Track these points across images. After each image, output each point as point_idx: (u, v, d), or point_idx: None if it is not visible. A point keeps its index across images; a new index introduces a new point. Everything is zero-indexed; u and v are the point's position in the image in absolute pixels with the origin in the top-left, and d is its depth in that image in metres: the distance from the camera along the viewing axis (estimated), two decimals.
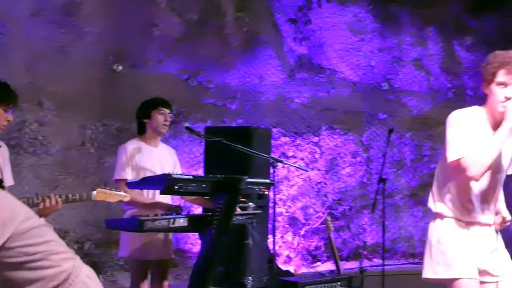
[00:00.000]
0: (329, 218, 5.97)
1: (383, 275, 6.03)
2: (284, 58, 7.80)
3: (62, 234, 6.49)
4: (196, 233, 4.92)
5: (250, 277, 4.99)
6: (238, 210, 4.41)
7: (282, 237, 7.54)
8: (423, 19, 8.46)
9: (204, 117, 7.25)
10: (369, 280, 5.96)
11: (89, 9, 6.76)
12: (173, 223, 4.03)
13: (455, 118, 3.34)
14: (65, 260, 2.09)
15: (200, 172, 6.47)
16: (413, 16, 8.42)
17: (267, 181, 4.79)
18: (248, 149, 4.79)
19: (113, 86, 6.83)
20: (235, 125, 7.33)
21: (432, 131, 8.36)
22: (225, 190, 4.12)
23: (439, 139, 8.33)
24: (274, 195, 5.85)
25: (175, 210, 4.41)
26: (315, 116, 7.89)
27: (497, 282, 3.37)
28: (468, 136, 3.26)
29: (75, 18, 6.71)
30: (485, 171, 3.24)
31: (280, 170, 7.43)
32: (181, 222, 4.08)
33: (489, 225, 3.41)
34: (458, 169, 3.25)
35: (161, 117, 4.64)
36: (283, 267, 6.99)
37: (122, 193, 4.12)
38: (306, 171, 7.41)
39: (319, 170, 7.87)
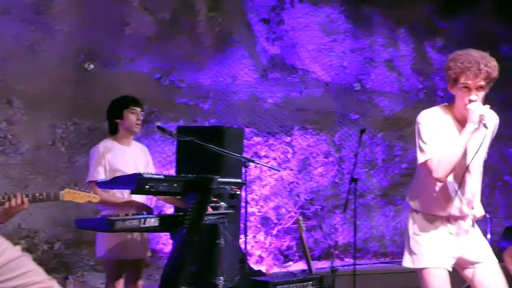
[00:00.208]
0: (301, 218, 5.99)
1: (355, 274, 6.06)
2: (257, 58, 7.80)
3: (32, 234, 6.43)
4: (168, 233, 4.90)
5: (222, 277, 4.98)
6: (210, 210, 4.41)
7: (254, 236, 7.55)
8: (394, 20, 8.53)
9: (176, 117, 7.22)
10: (341, 280, 5.99)
11: (60, 7, 6.70)
12: (144, 223, 4.01)
13: (423, 119, 3.46)
14: None
15: (172, 171, 6.45)
16: (385, 17, 8.48)
17: (239, 180, 4.79)
18: (220, 149, 4.78)
19: (84, 85, 6.77)
20: (207, 125, 7.31)
21: (404, 132, 8.43)
22: (197, 190, 4.11)
23: (411, 140, 8.39)
24: (246, 194, 5.85)
25: (147, 209, 4.39)
26: (287, 116, 7.90)
27: (475, 267, 3.55)
28: (435, 137, 3.38)
29: (46, 16, 6.64)
30: (450, 172, 3.36)
31: (253, 170, 7.44)
32: (152, 222, 4.06)
33: (463, 217, 3.55)
34: (426, 171, 3.40)
35: (134, 116, 4.60)
36: (255, 267, 6.99)
37: (91, 194, 4.08)
38: (279, 171, 7.43)
39: (291, 170, 7.89)
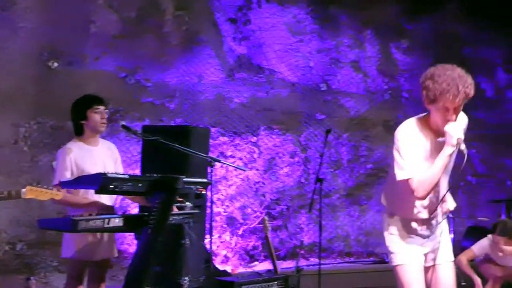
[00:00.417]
0: (266, 218, 6.01)
1: (320, 274, 6.10)
2: (223, 57, 7.79)
3: None
4: (132, 233, 4.85)
5: (187, 277, 4.96)
6: (175, 210, 4.38)
7: (219, 236, 7.53)
8: (361, 21, 8.60)
9: (142, 116, 7.17)
10: (306, 279, 6.02)
11: (24, 3, 6.60)
12: (108, 223, 3.96)
13: (401, 134, 3.54)
14: None
15: (137, 171, 6.40)
16: (352, 18, 8.54)
17: (205, 180, 4.77)
18: (185, 148, 4.76)
19: (48, 83, 6.68)
20: (173, 124, 7.28)
21: (369, 132, 8.50)
22: (162, 190, 4.08)
23: (376, 140, 8.49)
24: (212, 194, 5.84)
25: (111, 210, 4.35)
26: (254, 116, 7.91)
27: (434, 267, 3.75)
28: (413, 154, 3.48)
29: (10, 13, 6.54)
30: (430, 192, 3.50)
31: (219, 170, 7.42)
32: (117, 222, 4.02)
33: (435, 217, 3.70)
34: (405, 187, 3.50)
35: (98, 116, 4.53)
36: (221, 267, 6.98)
37: (54, 190, 4.01)
38: (244, 170, 7.43)
39: (257, 170, 7.90)
